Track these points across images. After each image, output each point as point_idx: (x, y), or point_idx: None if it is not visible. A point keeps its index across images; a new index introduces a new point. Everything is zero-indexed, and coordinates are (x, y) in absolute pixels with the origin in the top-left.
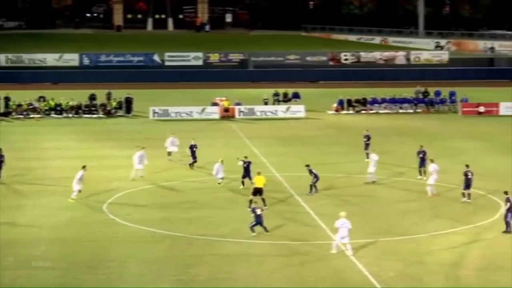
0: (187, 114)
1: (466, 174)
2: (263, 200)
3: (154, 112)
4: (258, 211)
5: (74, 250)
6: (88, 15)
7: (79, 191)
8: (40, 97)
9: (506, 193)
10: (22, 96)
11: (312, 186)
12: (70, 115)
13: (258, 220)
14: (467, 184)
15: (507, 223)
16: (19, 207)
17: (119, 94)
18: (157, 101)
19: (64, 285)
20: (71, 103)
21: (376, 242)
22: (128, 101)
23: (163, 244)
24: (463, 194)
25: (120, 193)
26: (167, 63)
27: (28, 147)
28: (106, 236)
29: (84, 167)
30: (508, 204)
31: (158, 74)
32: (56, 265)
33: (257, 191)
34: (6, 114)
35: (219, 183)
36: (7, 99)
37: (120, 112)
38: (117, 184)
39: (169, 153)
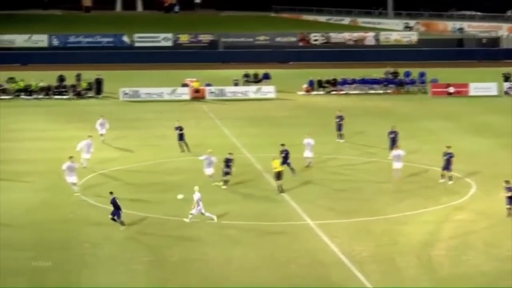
0: (157, 95)
1: (446, 155)
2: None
3: (125, 94)
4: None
5: (46, 232)
6: None
7: (73, 184)
8: (9, 78)
9: (507, 182)
10: None
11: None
12: (40, 96)
13: None
14: (447, 166)
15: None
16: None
17: (89, 75)
18: (127, 82)
19: (37, 266)
20: (41, 84)
21: (348, 222)
22: (98, 82)
23: (136, 225)
24: (442, 176)
25: (91, 175)
26: (136, 44)
27: None
28: (78, 218)
29: (71, 157)
30: (510, 193)
31: (128, 55)
32: (29, 247)
33: (279, 175)
34: None
35: (217, 184)
36: None
37: (91, 93)
38: (89, 164)
39: (102, 135)
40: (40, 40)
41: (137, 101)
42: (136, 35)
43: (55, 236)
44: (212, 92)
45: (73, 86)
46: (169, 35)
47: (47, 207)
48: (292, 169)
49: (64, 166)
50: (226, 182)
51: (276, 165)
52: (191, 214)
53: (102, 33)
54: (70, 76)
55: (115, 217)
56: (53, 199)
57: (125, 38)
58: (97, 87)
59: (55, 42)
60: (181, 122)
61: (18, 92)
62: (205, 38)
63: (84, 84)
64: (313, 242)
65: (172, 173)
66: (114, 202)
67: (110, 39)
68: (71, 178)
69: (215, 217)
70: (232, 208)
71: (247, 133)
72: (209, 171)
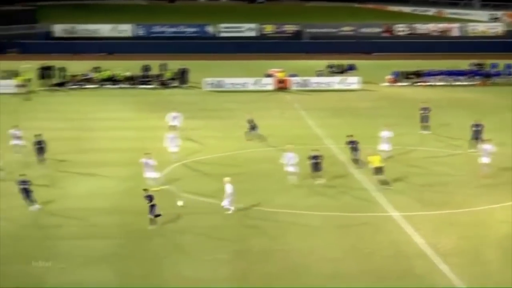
0: (241, 85)
1: None
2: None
3: (208, 83)
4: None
5: (130, 220)
6: None
7: (153, 179)
8: (95, 67)
9: None
10: (76, 66)
11: (357, 160)
12: (125, 86)
13: None
14: None
15: None
16: (73, 177)
17: (173, 65)
18: (211, 72)
19: (121, 254)
20: (127, 74)
21: (432, 214)
22: (183, 72)
23: (220, 215)
24: None
25: (174, 165)
26: (221, 35)
27: (83, 117)
28: (162, 207)
29: (147, 154)
30: None
31: (212, 46)
32: (114, 235)
33: (379, 170)
34: (61, 84)
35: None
36: (62, 69)
37: (175, 83)
38: (172, 155)
39: (172, 127)
40: (125, 29)
41: (221, 91)
42: (221, 25)
43: (138, 224)
44: (296, 83)
45: (158, 75)
46: (254, 26)
47: (131, 196)
48: (357, 160)
49: (142, 161)
50: (319, 178)
51: (373, 160)
52: (225, 205)
53: (186, 23)
54: (154, 66)
55: (151, 213)
56: (137, 188)
57: (210, 28)
58: (182, 77)
59: (140, 32)
60: (253, 115)
61: (103, 82)
62: (290, 28)
63: (168, 74)
64: (397, 234)
65: (255, 163)
66: (149, 199)
67: (195, 29)
68: (149, 174)
69: (232, 209)
70: (315, 198)
71: (330, 124)
72: (291, 169)
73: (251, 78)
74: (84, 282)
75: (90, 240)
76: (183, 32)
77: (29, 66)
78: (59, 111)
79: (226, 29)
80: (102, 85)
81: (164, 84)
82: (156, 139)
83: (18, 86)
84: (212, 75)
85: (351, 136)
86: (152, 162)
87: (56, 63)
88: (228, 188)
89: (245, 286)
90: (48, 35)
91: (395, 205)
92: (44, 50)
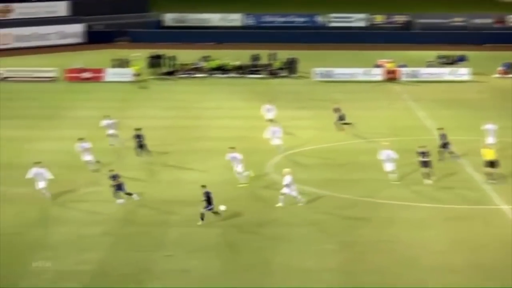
0: (350, 75)
1: None
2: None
3: (317, 73)
4: None
5: (239, 209)
6: None
7: (239, 173)
8: (204, 56)
9: None
10: (186, 55)
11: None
12: (234, 75)
13: None
14: None
15: None
16: (182, 165)
17: (282, 55)
18: (320, 62)
19: (227, 244)
20: (236, 63)
21: None
22: (292, 62)
23: (327, 205)
24: None
25: (283, 154)
26: (330, 24)
27: (192, 106)
28: (268, 196)
29: (232, 148)
30: None
31: (321, 35)
32: (219, 224)
33: (492, 163)
34: (171, 73)
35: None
36: (172, 58)
37: (284, 73)
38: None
39: (270, 120)
40: (235, 19)
41: (330, 81)
42: (330, 15)
43: (247, 214)
44: (405, 73)
45: (267, 65)
46: (363, 16)
47: (238, 186)
48: (451, 153)
49: (228, 157)
50: (427, 175)
51: (486, 153)
52: (296, 197)
53: (296, 12)
54: (263, 56)
55: (206, 209)
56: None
57: (319, 18)
58: (291, 66)
59: (249, 21)
60: (340, 105)
61: (212, 71)
62: (400, 18)
63: (277, 64)
64: (507, 228)
65: (363, 154)
66: (207, 196)
67: (304, 19)
68: (238, 168)
69: (282, 204)
70: (422, 190)
71: (439, 115)
72: (388, 166)
73: (360, 68)
74: (191, 270)
75: (196, 228)
76: (293, 22)
77: (139, 55)
78: (168, 99)
79: (336, 19)
80: (211, 74)
81: (273, 74)
82: (263, 129)
83: (135, 75)
84: (321, 65)
85: (442, 129)
86: (238, 156)
87: (166, 52)
88: (287, 179)
89: (353, 277)
90: (158, 24)
91: (505, 198)
92: (154, 39)
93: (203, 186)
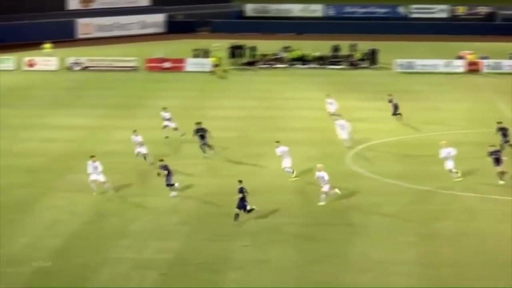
0: (432, 67)
1: None
2: None
3: (399, 64)
4: None
5: (315, 201)
6: None
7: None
8: (285, 47)
9: None
10: (266, 46)
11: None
12: (314, 66)
13: None
14: None
15: None
16: (261, 155)
17: (363, 46)
18: (401, 53)
19: (304, 234)
20: (316, 54)
21: None
22: (373, 53)
23: (406, 197)
24: None
25: (362, 145)
26: (412, 16)
27: (272, 96)
28: (347, 187)
29: (277, 142)
30: None
31: (403, 27)
32: (300, 214)
33: None
34: (252, 63)
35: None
36: (252, 49)
37: (365, 64)
38: (359, 136)
39: (332, 114)
40: (316, 9)
41: (411, 73)
42: (412, 6)
43: (322, 206)
44: (487, 65)
45: (348, 56)
46: (445, 7)
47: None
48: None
49: (277, 151)
50: (501, 174)
51: None
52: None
53: (377, 3)
54: (344, 46)
55: (242, 210)
56: (326, 168)
57: (401, 9)
58: (372, 57)
59: (330, 12)
60: (394, 96)
61: (293, 61)
62: (482, 10)
63: (358, 55)
64: None
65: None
66: (241, 192)
67: (386, 10)
68: (286, 162)
69: (323, 202)
70: (504, 184)
71: None
72: (449, 164)
73: (442, 59)
74: (268, 260)
75: (274, 218)
76: (374, 13)
77: (219, 45)
78: (248, 90)
79: (417, 10)
80: (291, 64)
81: (353, 65)
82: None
83: (214, 66)
84: (402, 57)
85: (501, 123)
86: (286, 149)
87: (246, 42)
88: (321, 174)
89: (431, 270)
90: (239, 15)
91: None
92: (235, 30)
93: (240, 182)
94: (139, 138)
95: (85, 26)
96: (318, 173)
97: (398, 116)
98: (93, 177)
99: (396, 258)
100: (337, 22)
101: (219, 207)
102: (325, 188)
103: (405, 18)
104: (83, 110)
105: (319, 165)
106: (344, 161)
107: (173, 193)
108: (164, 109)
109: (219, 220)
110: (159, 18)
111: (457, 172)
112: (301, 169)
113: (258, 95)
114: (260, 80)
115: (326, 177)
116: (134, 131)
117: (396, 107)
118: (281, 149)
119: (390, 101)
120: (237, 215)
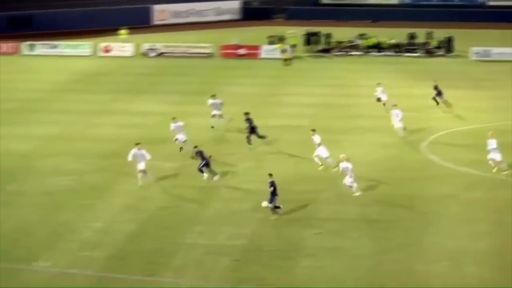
0: (509, 55)
1: None
2: None
3: (475, 53)
4: None
5: (389, 189)
6: None
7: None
8: (361, 34)
9: None
10: (342, 33)
11: None
12: (390, 53)
13: None
14: None
15: None
16: (333, 143)
17: (439, 33)
18: (478, 41)
19: (377, 221)
20: (392, 41)
21: None
22: (449, 41)
23: (481, 186)
24: None
25: (438, 134)
26: (490, 3)
27: (347, 84)
28: (422, 175)
29: (313, 130)
30: None
31: (480, 14)
32: (373, 203)
33: None
34: (327, 50)
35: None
36: (328, 36)
37: (441, 52)
38: (435, 124)
39: (380, 99)
40: None
41: (488, 61)
42: None
43: (396, 191)
44: None
45: (424, 44)
46: None
47: (394, 163)
48: None
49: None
50: None
51: None
52: (351, 185)
53: None
54: (420, 34)
55: (272, 203)
56: (400, 156)
57: None
58: (448, 45)
59: (407, 0)
60: (438, 82)
61: (368, 49)
62: None
63: (434, 42)
64: None
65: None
66: (272, 185)
67: None
68: (320, 151)
69: (358, 193)
70: None
71: None
72: (496, 156)
73: None
74: (341, 248)
75: (345, 206)
76: (451, 0)
77: (294, 32)
78: (324, 77)
79: None
80: (367, 52)
81: (429, 53)
82: (417, 108)
83: (283, 51)
84: (478, 44)
85: None
86: (319, 139)
87: (321, 29)
88: (344, 165)
89: (505, 260)
90: (315, 1)
91: None
92: (310, 16)
93: (270, 175)
94: (179, 124)
95: (160, 13)
96: (342, 164)
97: (440, 104)
98: (140, 166)
99: (470, 247)
100: (413, 10)
101: (290, 194)
102: (348, 181)
103: (482, 5)
104: (157, 96)
105: (342, 156)
106: (419, 149)
107: (216, 177)
108: (213, 96)
109: (291, 207)
110: (234, 4)
111: (503, 163)
112: (373, 157)
113: (333, 82)
114: (335, 67)
115: (350, 167)
116: (173, 118)
117: (439, 93)
118: (316, 138)
119: (435, 87)
120: (275, 208)
